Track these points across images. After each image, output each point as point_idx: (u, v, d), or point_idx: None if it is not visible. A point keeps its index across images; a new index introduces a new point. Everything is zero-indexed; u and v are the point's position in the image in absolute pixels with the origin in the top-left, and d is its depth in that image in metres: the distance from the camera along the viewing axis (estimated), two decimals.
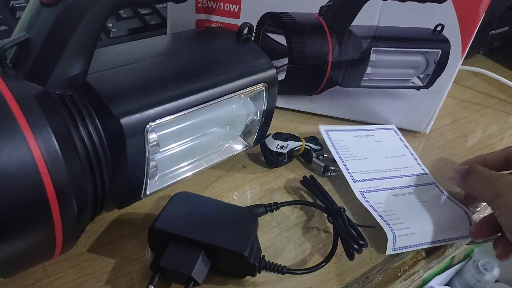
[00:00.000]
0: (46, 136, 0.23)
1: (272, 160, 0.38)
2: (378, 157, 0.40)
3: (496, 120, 0.49)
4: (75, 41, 0.25)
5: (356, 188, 0.36)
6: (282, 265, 0.30)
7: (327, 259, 0.31)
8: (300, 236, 0.34)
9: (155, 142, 0.29)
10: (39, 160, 0.23)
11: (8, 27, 0.46)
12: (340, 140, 0.40)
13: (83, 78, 0.26)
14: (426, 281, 0.62)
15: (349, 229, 0.31)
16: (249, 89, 0.33)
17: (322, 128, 0.41)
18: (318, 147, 0.40)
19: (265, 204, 0.34)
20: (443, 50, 0.39)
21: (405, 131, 0.44)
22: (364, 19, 0.38)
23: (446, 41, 0.38)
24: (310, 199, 0.37)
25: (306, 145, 0.39)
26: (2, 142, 0.22)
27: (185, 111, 0.30)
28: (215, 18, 0.40)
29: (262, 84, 0.34)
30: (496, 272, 0.66)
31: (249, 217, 0.32)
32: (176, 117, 0.29)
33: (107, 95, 0.27)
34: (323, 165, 0.38)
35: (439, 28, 0.38)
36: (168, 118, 0.29)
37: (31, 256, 0.25)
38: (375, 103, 0.43)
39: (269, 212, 0.34)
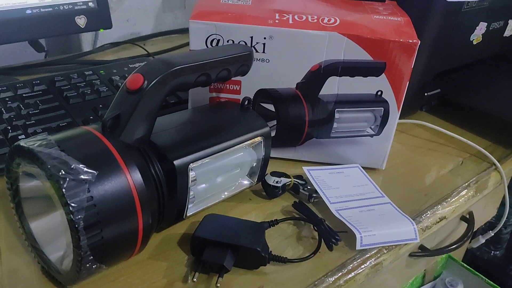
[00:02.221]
0: (135, 172, 0.37)
1: (270, 192, 0.53)
2: (347, 186, 0.55)
3: (435, 158, 0.65)
4: (147, 115, 0.40)
5: (332, 207, 0.51)
6: (284, 256, 0.44)
7: (314, 252, 0.45)
8: (294, 242, 0.48)
9: (194, 178, 0.44)
10: (132, 187, 0.37)
11: (65, 111, 0.62)
12: (319, 176, 0.55)
13: (148, 137, 0.42)
14: None
15: (328, 230, 0.46)
16: (251, 141, 0.49)
17: (305, 169, 0.56)
18: (303, 182, 0.54)
19: (269, 221, 0.48)
20: (384, 108, 0.55)
21: (367, 168, 0.59)
22: (328, 89, 0.55)
23: (385, 102, 0.55)
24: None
25: (294, 180, 0.54)
26: (111, 177, 0.36)
27: (211, 156, 0.45)
28: (222, 95, 0.56)
29: (260, 137, 0.49)
30: (460, 287, 0.78)
31: (258, 227, 0.46)
32: (206, 161, 0.44)
33: (164, 147, 0.42)
34: (307, 193, 0.53)
35: (379, 93, 0.54)
36: (202, 161, 0.44)
37: (123, 251, 0.38)
38: (342, 149, 0.59)
39: (271, 227, 0.48)
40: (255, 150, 0.50)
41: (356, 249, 0.47)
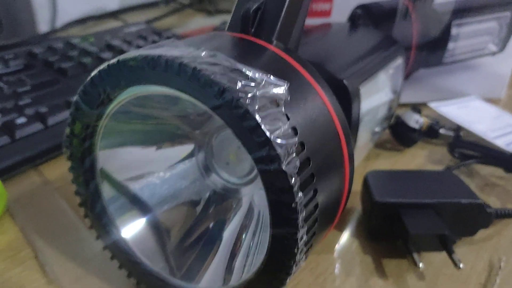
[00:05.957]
0: (327, 90, 0.21)
1: (408, 137, 0.38)
2: (487, 119, 0.42)
3: None
4: (303, 8, 0.24)
5: (499, 143, 0.37)
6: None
7: None
8: (479, 193, 0.33)
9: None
10: (331, 112, 0.21)
11: (67, 85, 0.42)
12: (450, 112, 0.41)
13: (298, 46, 0.25)
14: None
15: None
16: (392, 62, 0.34)
17: (433, 105, 0.42)
18: (434, 121, 0.40)
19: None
20: None
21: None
22: None
23: None
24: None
25: (428, 121, 0.39)
26: (305, 96, 0.20)
27: (375, 75, 0.29)
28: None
29: (400, 57, 0.35)
30: None
31: (448, 174, 0.31)
32: (370, 84, 0.29)
33: (321, 62, 0.26)
34: (452, 134, 0.39)
35: None
36: (368, 82, 0.28)
37: (324, 230, 0.21)
38: (454, 79, 0.45)
39: None
40: (392, 76, 0.35)
41: None
